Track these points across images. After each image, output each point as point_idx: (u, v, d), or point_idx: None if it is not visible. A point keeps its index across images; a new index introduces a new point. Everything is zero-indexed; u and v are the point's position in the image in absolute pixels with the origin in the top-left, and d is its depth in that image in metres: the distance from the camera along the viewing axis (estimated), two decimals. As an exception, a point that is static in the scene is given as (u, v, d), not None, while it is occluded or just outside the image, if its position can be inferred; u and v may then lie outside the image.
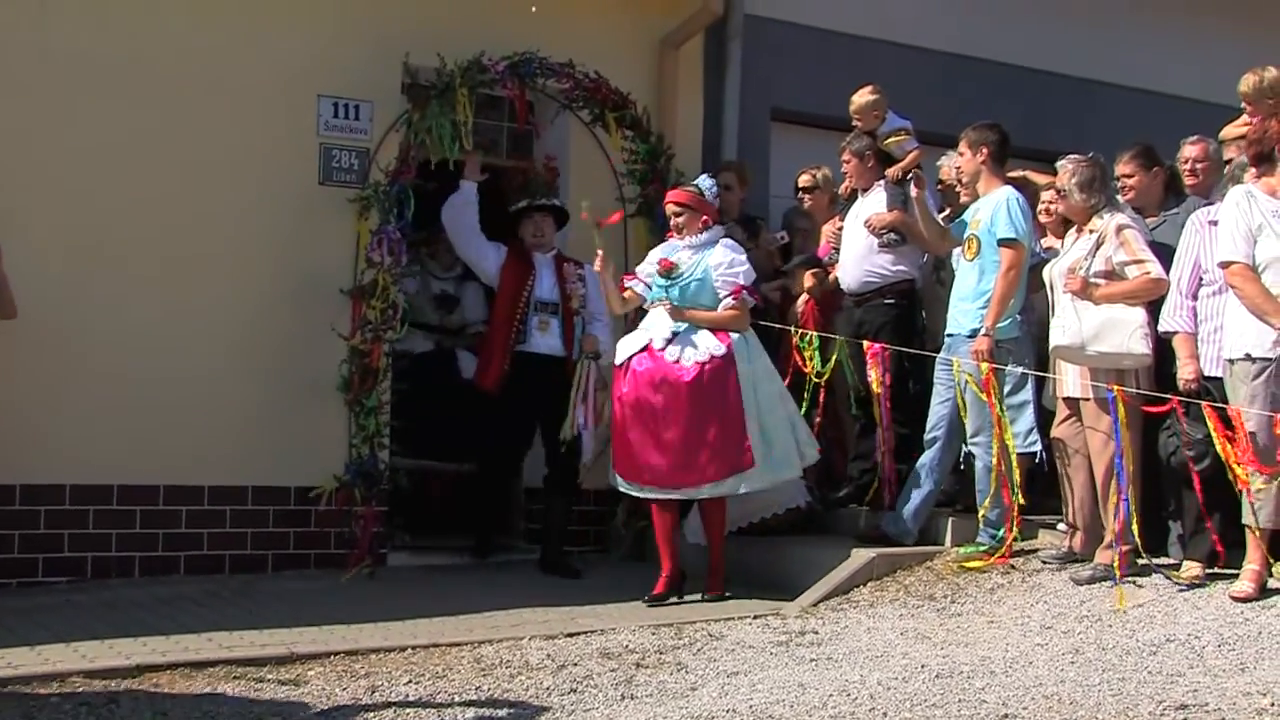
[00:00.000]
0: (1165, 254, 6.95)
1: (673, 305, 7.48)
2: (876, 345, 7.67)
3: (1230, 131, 7.65)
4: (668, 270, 7.55)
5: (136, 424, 7.63)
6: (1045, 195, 8.18)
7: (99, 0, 7.67)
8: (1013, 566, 7.20)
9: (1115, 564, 6.62)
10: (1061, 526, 7.46)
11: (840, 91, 9.48)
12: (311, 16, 8.16)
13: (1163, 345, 6.78)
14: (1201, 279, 6.68)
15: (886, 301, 8.00)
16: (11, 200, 7.28)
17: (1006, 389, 7.24)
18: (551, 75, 8.49)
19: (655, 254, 7.80)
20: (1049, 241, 7.97)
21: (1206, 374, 6.58)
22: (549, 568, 8.18)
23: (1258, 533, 6.28)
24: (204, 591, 7.44)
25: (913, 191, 7.76)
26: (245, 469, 7.91)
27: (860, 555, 7.39)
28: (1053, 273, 7.15)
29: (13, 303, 6.92)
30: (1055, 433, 7.22)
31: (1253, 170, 6.56)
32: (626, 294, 7.78)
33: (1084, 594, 6.64)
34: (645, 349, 7.44)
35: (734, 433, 7.30)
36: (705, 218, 7.62)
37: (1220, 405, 6.23)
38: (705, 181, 7.83)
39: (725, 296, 7.45)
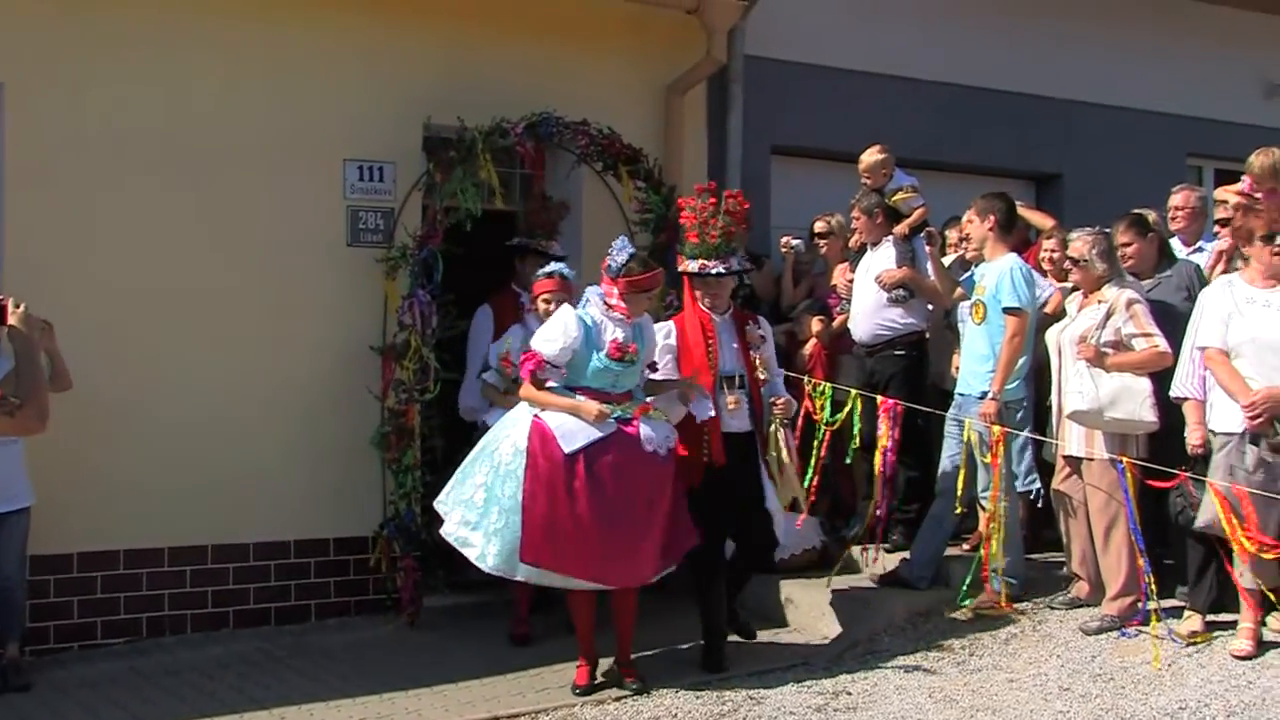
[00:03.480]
0: (1160, 313, 7.45)
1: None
2: (890, 400, 8.07)
3: (1221, 193, 8.09)
4: (632, 353, 6.96)
5: (182, 487, 7.94)
6: (1047, 244, 8.65)
7: (130, 83, 7.90)
8: (1021, 613, 7.71)
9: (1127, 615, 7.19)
10: (1066, 571, 7.97)
11: (835, 123, 10.01)
12: (335, 84, 8.41)
13: (1165, 411, 7.26)
14: (1211, 350, 7.16)
15: (897, 353, 8.43)
16: (57, 277, 7.53)
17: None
18: (567, 132, 8.79)
19: (566, 334, 6.97)
20: (1052, 284, 8.44)
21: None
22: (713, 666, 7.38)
23: (1261, 588, 6.80)
24: (258, 650, 7.80)
25: (926, 247, 8.17)
26: (286, 524, 8.27)
27: (880, 602, 7.86)
28: (1060, 338, 7.58)
29: (68, 374, 7.21)
30: (1057, 486, 7.71)
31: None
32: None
33: (1094, 646, 7.15)
34: (608, 437, 6.80)
35: (686, 513, 7.09)
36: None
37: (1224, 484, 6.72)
38: (620, 253, 7.11)
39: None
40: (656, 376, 7.25)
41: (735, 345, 7.32)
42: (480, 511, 6.85)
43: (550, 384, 6.97)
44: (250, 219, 8.18)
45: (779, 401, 7.39)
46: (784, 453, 7.41)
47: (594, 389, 6.94)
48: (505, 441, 6.89)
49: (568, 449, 6.74)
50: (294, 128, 8.30)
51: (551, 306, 7.56)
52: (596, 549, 6.74)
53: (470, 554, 6.89)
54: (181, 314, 8.01)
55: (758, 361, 7.40)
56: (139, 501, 7.85)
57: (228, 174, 8.11)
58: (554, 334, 6.95)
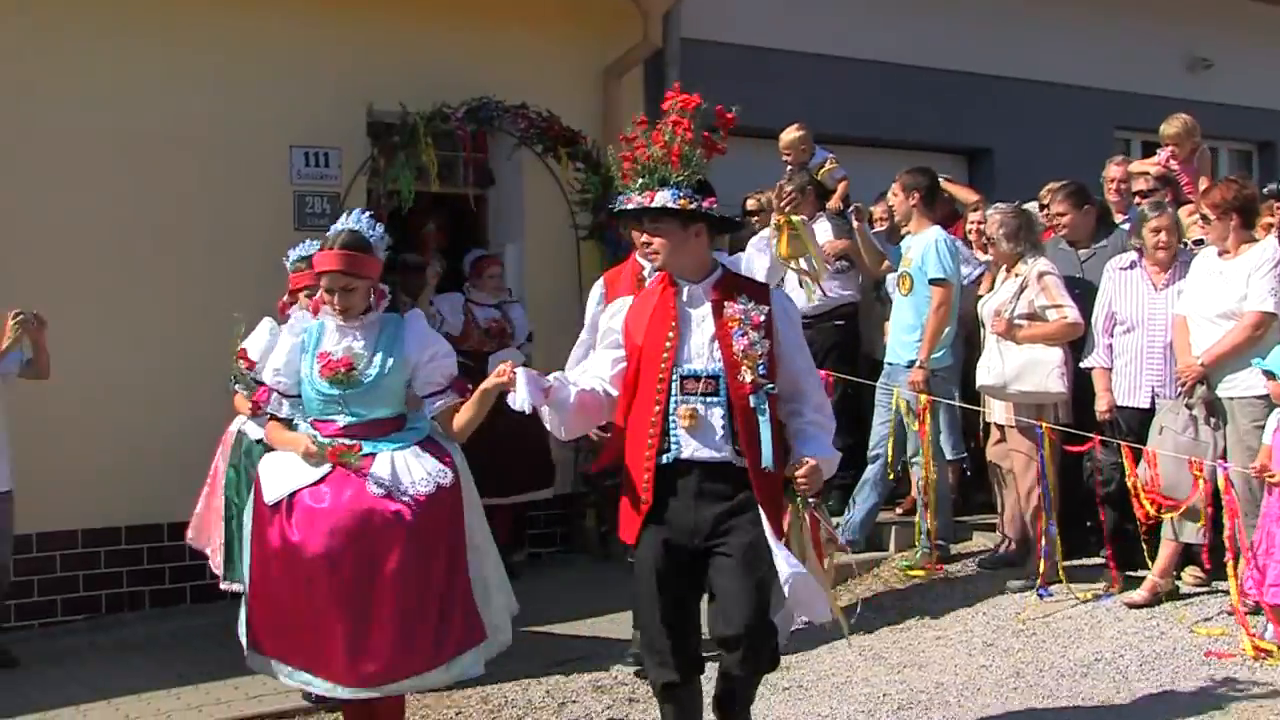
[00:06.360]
0: (1091, 290, 7.79)
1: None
2: (822, 371, 8.34)
3: (1138, 166, 8.44)
4: (348, 370, 5.28)
5: (139, 469, 8.13)
6: (973, 216, 8.96)
7: (80, 76, 8.08)
8: (952, 573, 8.05)
9: (1039, 577, 7.51)
10: (997, 534, 8.31)
11: (770, 103, 10.21)
12: (280, 71, 8.62)
13: (1081, 379, 7.59)
14: (1115, 319, 7.48)
15: (836, 323, 8.75)
16: (6, 267, 7.74)
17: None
18: (507, 116, 9.04)
19: (280, 351, 5.50)
20: (980, 256, 8.76)
21: (1120, 404, 7.44)
22: None
23: (1175, 542, 7.16)
24: (215, 624, 7.97)
25: (855, 222, 8.48)
26: (241, 501, 8.48)
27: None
28: (983, 311, 7.89)
29: (48, 366, 7.39)
30: (989, 455, 8.05)
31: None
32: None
33: (1019, 603, 7.50)
34: (324, 479, 5.19)
35: (462, 593, 5.25)
36: (379, 286, 5.53)
37: (1136, 446, 7.06)
38: (362, 221, 5.48)
39: (443, 392, 5.36)
40: (593, 365, 5.25)
41: (710, 330, 4.91)
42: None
43: (283, 417, 5.48)
44: (198, 205, 8.37)
45: (800, 469, 4.86)
46: (807, 545, 5.03)
47: (327, 422, 5.33)
48: None
49: (268, 498, 5.24)
50: (241, 115, 8.49)
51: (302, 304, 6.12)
52: (296, 631, 5.21)
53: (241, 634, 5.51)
54: (134, 300, 8.21)
55: (741, 356, 4.85)
56: (97, 482, 8.06)
57: (175, 162, 8.29)
58: (274, 355, 5.57)
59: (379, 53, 8.89)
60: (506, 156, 9.41)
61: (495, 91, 9.01)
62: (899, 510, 8.85)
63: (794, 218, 6.57)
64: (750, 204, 9.45)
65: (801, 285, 7.12)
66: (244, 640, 5.43)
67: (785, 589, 4.75)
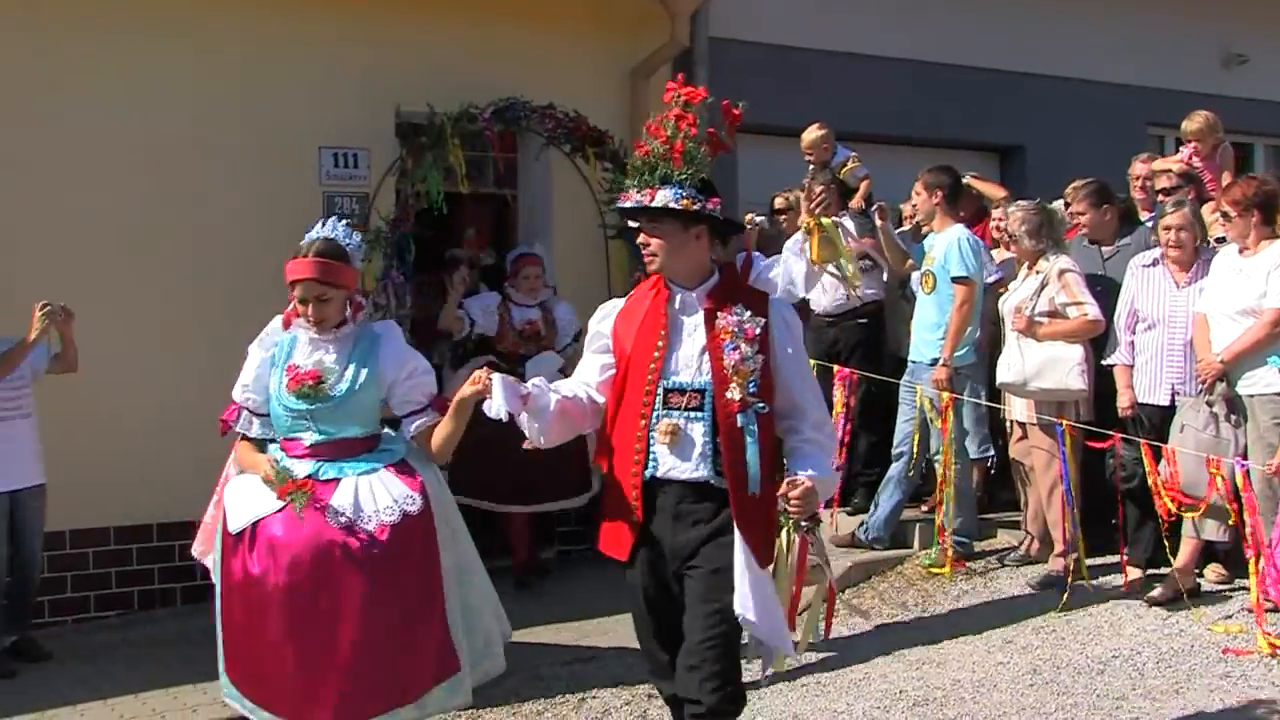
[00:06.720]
0: (1114, 288, 7.78)
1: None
2: (845, 370, 8.39)
3: (1161, 164, 8.42)
4: (315, 383, 5.09)
5: (168, 467, 8.20)
6: (996, 214, 8.96)
7: (106, 77, 8.21)
8: (974, 570, 8.06)
9: (1067, 571, 7.51)
10: (1020, 532, 8.31)
11: (798, 102, 10.29)
12: (308, 74, 8.73)
13: (1103, 376, 7.58)
14: (1137, 316, 7.47)
15: (860, 321, 8.79)
16: (39, 268, 7.87)
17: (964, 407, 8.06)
18: (535, 116, 9.10)
19: (250, 366, 5.33)
20: (1001, 255, 8.75)
21: (1141, 401, 7.42)
22: None
23: (1196, 539, 7.14)
24: (244, 620, 8.14)
25: (877, 221, 8.50)
26: (270, 499, 8.58)
27: (839, 563, 8.17)
28: (1005, 307, 7.90)
29: (76, 359, 7.50)
30: (1012, 452, 8.06)
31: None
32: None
33: (1039, 600, 7.50)
34: (287, 507, 4.98)
35: (436, 625, 5.06)
36: (356, 297, 5.30)
37: (1157, 444, 7.04)
38: (338, 229, 5.24)
39: (422, 411, 5.19)
40: (581, 370, 4.89)
41: (701, 341, 4.58)
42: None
43: (254, 437, 5.32)
44: (227, 206, 8.49)
45: (793, 489, 4.47)
46: (788, 573, 4.67)
47: (294, 440, 5.16)
48: None
49: (233, 527, 5.08)
50: (269, 116, 8.61)
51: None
52: (257, 664, 5.09)
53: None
54: (164, 299, 8.34)
55: (731, 372, 4.50)
56: (129, 480, 8.19)
57: (204, 163, 8.43)
58: (244, 370, 5.33)
59: (406, 54, 8.98)
60: (535, 157, 9.48)
61: (522, 92, 9.07)
62: (924, 508, 8.84)
63: (824, 220, 6.71)
64: (778, 202, 9.52)
65: (844, 285, 7.19)
66: (220, 666, 5.28)
67: (741, 620, 4.46)
